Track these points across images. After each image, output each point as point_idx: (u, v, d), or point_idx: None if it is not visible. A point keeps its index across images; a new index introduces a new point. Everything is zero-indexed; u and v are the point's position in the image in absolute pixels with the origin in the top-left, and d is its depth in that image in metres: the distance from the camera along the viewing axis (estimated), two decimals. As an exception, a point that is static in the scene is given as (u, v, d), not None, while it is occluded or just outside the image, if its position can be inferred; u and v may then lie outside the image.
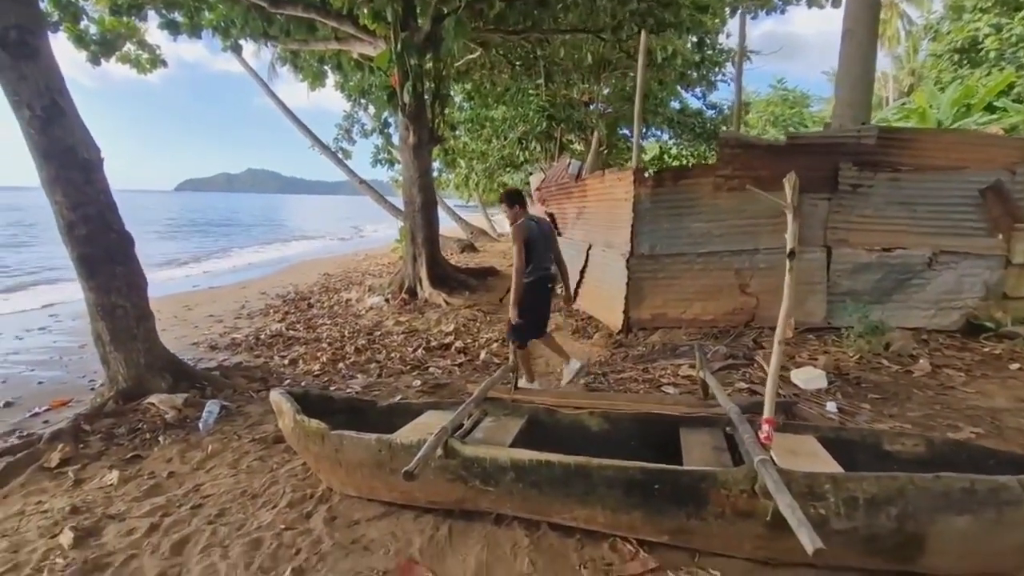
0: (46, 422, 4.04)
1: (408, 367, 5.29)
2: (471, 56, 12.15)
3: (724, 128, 14.97)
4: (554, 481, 2.30)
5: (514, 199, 4.11)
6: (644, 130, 14.91)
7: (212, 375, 4.73)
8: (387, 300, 8.51)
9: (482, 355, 5.60)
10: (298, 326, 7.18)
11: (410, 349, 5.92)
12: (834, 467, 2.25)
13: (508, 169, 16.28)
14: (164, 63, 9.08)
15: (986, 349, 4.84)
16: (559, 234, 8.15)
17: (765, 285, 5.46)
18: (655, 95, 14.18)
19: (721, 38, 14.76)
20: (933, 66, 18.53)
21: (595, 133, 14.44)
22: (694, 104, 16.66)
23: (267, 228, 40.32)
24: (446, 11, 7.66)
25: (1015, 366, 4.42)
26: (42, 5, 4.59)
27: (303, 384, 4.74)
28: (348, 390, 4.61)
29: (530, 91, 13.65)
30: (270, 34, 9.51)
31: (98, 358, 4.30)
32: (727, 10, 12.46)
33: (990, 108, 11.99)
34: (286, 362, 5.50)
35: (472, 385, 4.23)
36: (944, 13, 18.90)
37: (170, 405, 3.96)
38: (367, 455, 2.59)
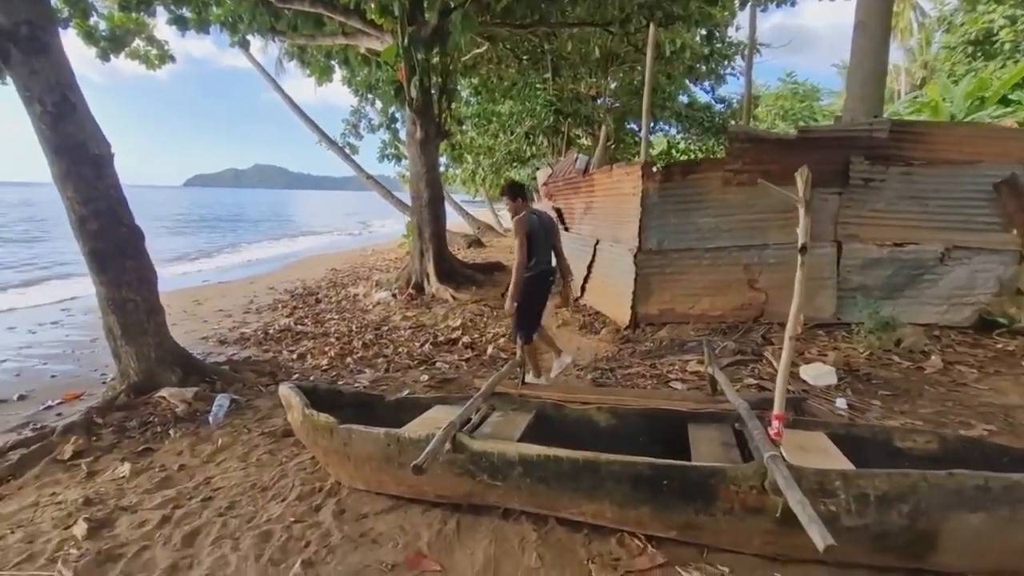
0: (59, 415, 4.09)
1: (415, 362, 5.31)
2: (478, 50, 12.12)
3: (733, 122, 14.84)
4: (562, 476, 2.30)
5: (516, 192, 4.12)
6: (652, 124, 14.81)
7: (221, 369, 4.77)
8: (394, 295, 8.54)
9: (489, 350, 5.61)
10: (306, 321, 7.22)
11: (417, 344, 5.93)
12: (845, 464, 2.23)
13: (515, 164, 16.23)
14: (172, 59, 9.14)
15: (999, 345, 4.78)
16: (566, 229, 8.14)
17: (774, 280, 5.42)
18: (663, 89, 14.09)
19: (730, 31, 14.63)
20: (946, 59, 18.27)
21: (602, 128, 14.33)
22: (703, 98, 16.55)
23: (275, 223, 40.51)
24: (453, 5, 7.63)
25: (1029, 363, 4.37)
26: (53, 1, 4.62)
27: (311, 378, 4.77)
28: (356, 385, 4.64)
29: (537, 85, 13.60)
30: (277, 29, 9.53)
31: (109, 352, 4.35)
32: (736, 3, 12.31)
33: (1005, 101, 11.78)
34: (294, 357, 5.53)
35: (479, 380, 4.25)
36: (958, 5, 18.58)
37: (180, 399, 4.00)
38: (376, 449, 2.60)
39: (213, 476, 3.07)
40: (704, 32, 11.91)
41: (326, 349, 5.73)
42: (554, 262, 4.16)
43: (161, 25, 19.86)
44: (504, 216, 22.31)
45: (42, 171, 4.16)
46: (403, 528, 2.48)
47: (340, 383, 4.66)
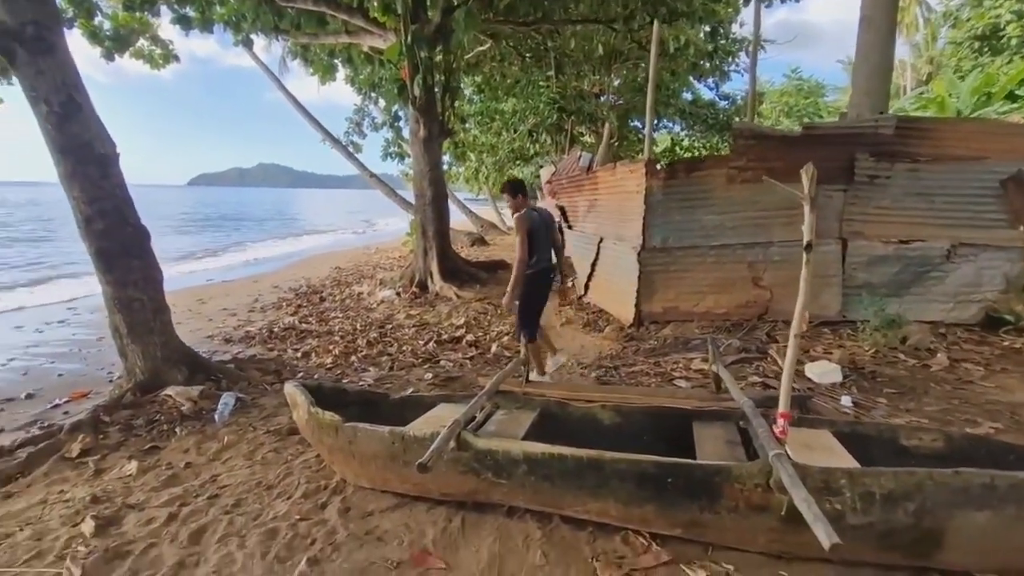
0: (66, 413, 4.12)
1: (420, 360, 5.31)
2: (481, 48, 12.10)
3: (737, 119, 14.78)
4: (566, 474, 2.30)
5: (517, 189, 4.17)
6: (656, 122, 14.77)
7: (227, 368, 4.79)
8: (398, 293, 8.56)
9: (493, 348, 5.61)
10: (310, 319, 7.24)
11: (421, 342, 5.94)
12: (850, 462, 2.22)
13: (518, 162, 16.22)
14: (176, 58, 9.15)
15: (1006, 343, 4.76)
16: (569, 227, 8.13)
17: (779, 278, 5.41)
18: (667, 86, 14.03)
19: (735, 27, 14.55)
20: (953, 54, 18.15)
21: (606, 125, 14.33)
22: (707, 95, 16.50)
23: (279, 222, 40.64)
24: (456, 3, 7.63)
25: (1036, 360, 4.34)
26: (57, 1, 4.63)
27: (316, 377, 4.79)
28: (361, 383, 4.65)
29: (540, 83, 13.56)
30: (281, 28, 9.54)
31: (116, 351, 4.37)
32: (740, -1, 12.26)
33: (1011, 97, 11.68)
34: (299, 355, 5.55)
35: (483, 378, 4.24)
36: (964, 0, 18.45)
37: (186, 397, 4.02)
38: (381, 447, 2.61)
39: (219, 474, 3.09)
40: (708, 28, 11.82)
41: (330, 347, 5.74)
42: (554, 259, 4.20)
43: (165, 24, 19.92)
44: (507, 214, 22.30)
45: (48, 171, 4.18)
46: (408, 526, 2.49)
47: (345, 381, 4.68)
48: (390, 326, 6.75)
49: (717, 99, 16.30)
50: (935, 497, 1.92)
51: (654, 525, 2.27)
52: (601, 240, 6.78)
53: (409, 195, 11.60)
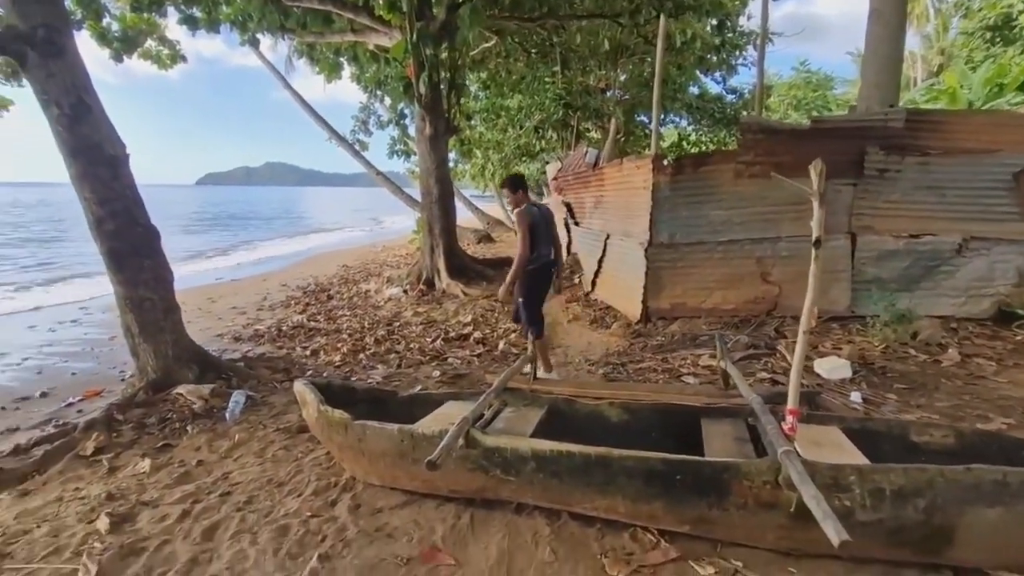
0: (80, 412, 4.18)
1: (427, 358, 5.34)
2: (486, 45, 12.08)
3: (745, 113, 14.66)
4: (575, 471, 2.31)
5: (517, 184, 4.22)
6: (662, 116, 14.67)
7: (237, 366, 4.83)
8: (405, 291, 8.58)
9: (500, 345, 5.62)
10: (319, 317, 7.29)
11: (429, 340, 5.97)
12: (860, 459, 2.22)
13: (524, 158, 16.17)
14: (184, 58, 9.19)
15: (1018, 337, 4.70)
16: (576, 223, 8.12)
17: (787, 273, 5.37)
18: (673, 80, 13.92)
19: (742, 20, 14.39)
20: (964, 45, 17.87)
21: (612, 120, 14.25)
22: (714, 89, 16.32)
23: (287, 221, 40.85)
24: (461, 0, 7.61)
25: (1049, 355, 4.29)
26: (66, 3, 4.67)
27: (325, 375, 4.82)
28: (369, 381, 4.68)
29: (546, 79, 13.50)
30: (287, 27, 9.57)
31: (127, 350, 4.43)
32: (748, -9, 12.15)
33: (1024, 88, 11.51)
34: (308, 353, 5.59)
35: (491, 375, 4.26)
36: (976, -11, 18.17)
37: (197, 395, 4.07)
38: (390, 445, 2.63)
39: (231, 471, 3.13)
40: (715, 22, 11.73)
41: (339, 345, 5.78)
42: (552, 255, 4.24)
43: (172, 25, 20.01)
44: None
45: (59, 172, 4.23)
46: (418, 522, 2.51)
47: (353, 379, 4.71)
48: (398, 324, 6.78)
49: (724, 93, 16.14)
50: (946, 494, 1.91)
51: (662, 522, 2.28)
52: (608, 236, 6.76)
53: (415, 193, 11.63)
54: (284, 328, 6.65)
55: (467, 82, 12.88)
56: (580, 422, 3.04)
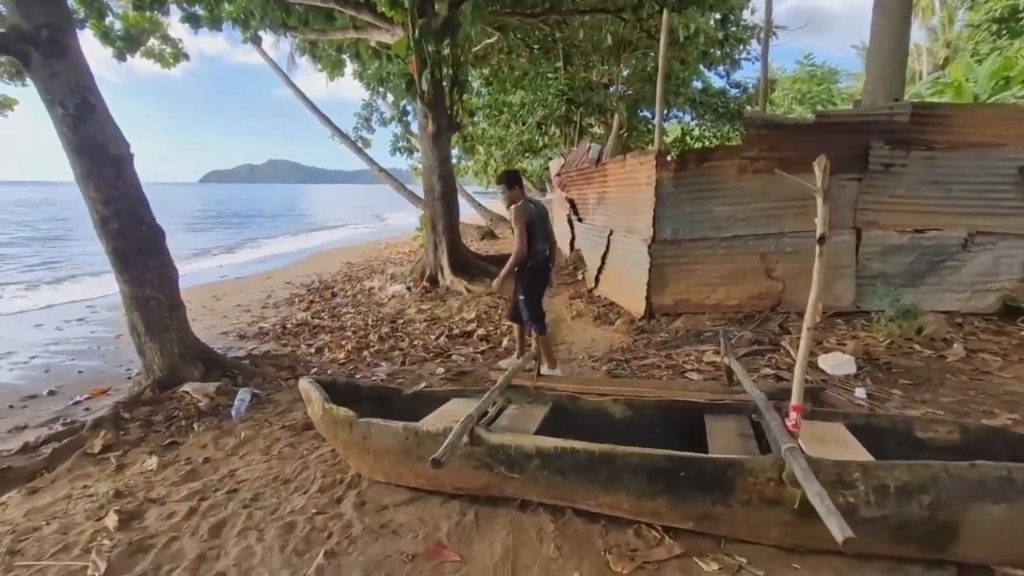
0: (87, 410, 4.22)
1: (431, 355, 5.35)
2: (489, 41, 12.04)
3: (749, 107, 14.59)
4: (579, 468, 2.32)
5: (513, 180, 4.26)
6: (666, 111, 14.62)
7: (242, 364, 4.85)
8: (409, 288, 8.60)
9: (504, 342, 5.63)
10: (323, 315, 7.31)
11: (433, 337, 5.98)
12: (864, 455, 2.21)
13: (527, 155, 16.16)
14: (187, 57, 9.19)
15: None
16: (579, 220, 8.11)
17: (791, 269, 5.36)
18: (677, 75, 13.88)
19: (745, 14, 14.31)
20: (970, 37, 17.72)
21: (615, 116, 14.21)
22: (717, 83, 16.28)
23: (290, 218, 40.94)
24: (463, -4, 7.58)
25: (1055, 350, 4.27)
26: (69, 3, 4.68)
27: (329, 372, 4.84)
28: (373, 378, 4.69)
29: (549, 75, 13.48)
30: (289, 24, 9.57)
31: (134, 348, 4.45)
32: (751, -15, 12.06)
33: (1031, 80, 11.40)
34: (312, 350, 5.62)
35: (495, 372, 4.27)
36: (982, -19, 17.99)
37: (203, 393, 4.09)
38: (394, 442, 2.64)
39: (237, 469, 3.15)
40: (718, 16, 11.66)
41: (343, 343, 5.80)
42: (548, 251, 4.27)
43: (174, 23, 20.07)
44: (515, 206, 22.17)
45: (63, 170, 4.25)
46: (423, 519, 2.53)
47: (358, 376, 4.72)
48: (401, 321, 6.80)
49: (728, 87, 16.08)
50: (951, 490, 1.90)
51: (666, 518, 2.28)
52: (611, 232, 6.75)
53: (418, 189, 11.62)
54: (288, 326, 6.67)
55: (470, 78, 12.86)
56: (584, 419, 3.04)
